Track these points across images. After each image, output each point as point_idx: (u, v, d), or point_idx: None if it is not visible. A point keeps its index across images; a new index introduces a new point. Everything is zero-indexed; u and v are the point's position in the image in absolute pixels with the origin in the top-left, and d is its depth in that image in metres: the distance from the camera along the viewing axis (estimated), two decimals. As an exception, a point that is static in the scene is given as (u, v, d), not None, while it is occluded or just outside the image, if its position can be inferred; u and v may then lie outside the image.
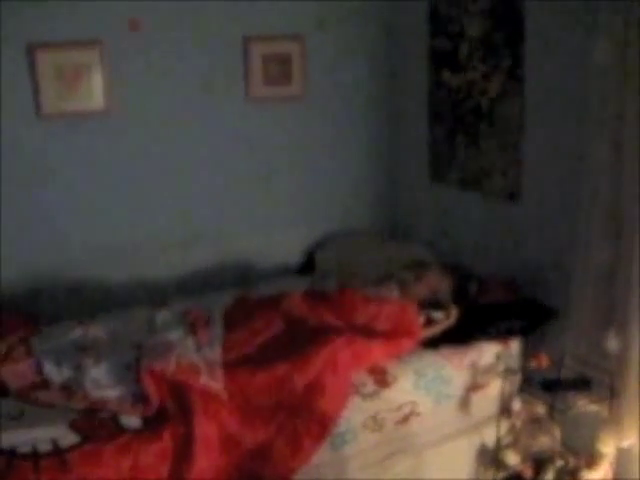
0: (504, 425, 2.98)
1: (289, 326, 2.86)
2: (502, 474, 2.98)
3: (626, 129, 2.51)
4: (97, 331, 2.83)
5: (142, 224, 3.51)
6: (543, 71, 3.01)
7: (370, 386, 2.70)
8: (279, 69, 3.60)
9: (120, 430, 2.32)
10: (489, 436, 2.98)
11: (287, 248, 3.90)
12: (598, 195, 2.66)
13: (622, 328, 2.64)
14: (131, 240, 3.49)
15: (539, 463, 2.88)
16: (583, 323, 2.82)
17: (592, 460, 2.75)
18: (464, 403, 2.93)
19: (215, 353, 2.62)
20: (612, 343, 2.68)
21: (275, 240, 3.85)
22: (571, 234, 2.86)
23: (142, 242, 3.52)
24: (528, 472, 2.88)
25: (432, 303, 3.08)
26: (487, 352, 2.97)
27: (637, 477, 2.76)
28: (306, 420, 2.50)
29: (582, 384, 2.72)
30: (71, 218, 3.33)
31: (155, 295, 3.45)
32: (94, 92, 3.24)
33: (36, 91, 3.12)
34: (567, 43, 2.86)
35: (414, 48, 3.68)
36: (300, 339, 2.73)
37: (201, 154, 3.55)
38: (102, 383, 2.47)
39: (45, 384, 2.52)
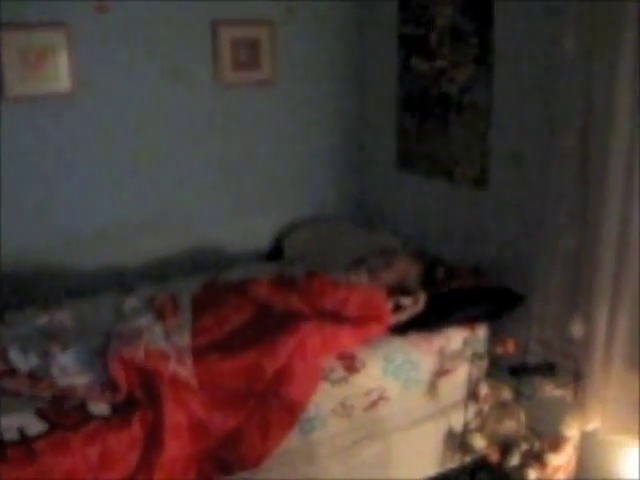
0: (471, 410, 3.01)
1: (257, 312, 2.85)
2: (469, 458, 3.02)
3: (594, 116, 2.53)
4: (64, 317, 2.79)
5: (109, 208, 3.47)
6: (512, 59, 3.02)
7: (339, 372, 2.71)
8: (248, 54, 3.57)
9: (88, 418, 2.29)
10: (456, 421, 3.01)
11: (256, 234, 3.90)
12: (565, 182, 2.69)
13: (587, 314, 2.67)
14: (97, 224, 3.44)
15: (505, 447, 2.92)
16: (548, 309, 2.85)
17: (556, 444, 2.78)
18: (432, 388, 2.97)
19: (184, 339, 2.60)
20: (577, 329, 2.72)
21: (244, 226, 3.83)
22: (537, 221, 2.89)
23: (109, 227, 3.47)
24: (494, 456, 2.91)
25: (401, 289, 3.10)
26: (454, 337, 3.00)
27: (600, 460, 2.82)
28: (275, 406, 2.50)
29: (547, 369, 2.75)
30: (35, 202, 3.27)
31: (122, 281, 3.43)
32: (60, 74, 3.18)
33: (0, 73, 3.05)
34: (536, 30, 2.88)
35: (384, 34, 3.68)
36: (268, 325, 2.73)
37: (169, 138, 3.52)
38: (69, 370, 2.43)
39: (11, 372, 2.46)
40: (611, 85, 2.44)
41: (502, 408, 2.97)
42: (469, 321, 3.03)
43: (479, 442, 2.97)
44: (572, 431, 2.76)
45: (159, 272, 3.56)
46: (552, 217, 2.77)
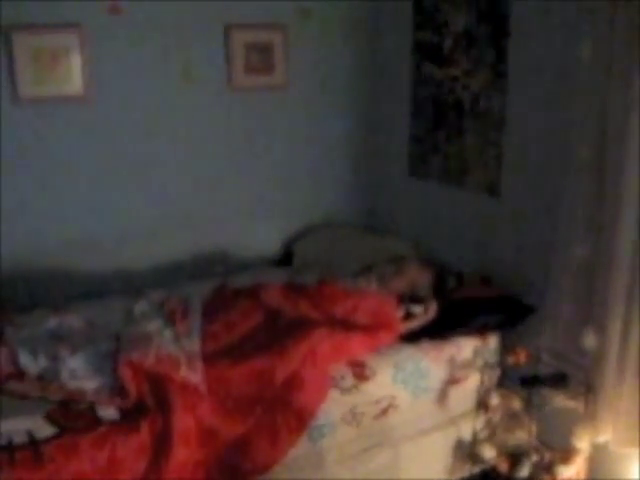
0: (481, 419, 2.99)
1: (268, 318, 2.84)
2: (478, 468, 3.00)
3: (609, 127, 2.51)
4: (73, 320, 2.78)
5: (119, 212, 3.46)
6: (527, 67, 3.01)
7: (349, 380, 2.69)
8: (261, 58, 3.56)
9: (97, 422, 2.28)
10: (466, 430, 3.00)
11: (266, 239, 3.88)
12: (580, 192, 2.67)
13: (600, 325, 2.65)
14: (108, 228, 3.43)
15: (515, 458, 2.89)
16: (561, 319, 2.83)
17: (567, 455, 2.76)
18: (442, 397, 2.94)
19: (194, 344, 2.59)
20: (590, 340, 2.69)
21: (254, 231, 3.82)
22: (550, 230, 2.87)
23: (119, 230, 3.47)
24: (504, 466, 2.89)
25: (411, 297, 3.08)
26: (465, 347, 2.98)
27: (611, 473, 2.80)
28: (285, 414, 2.49)
29: (559, 380, 2.74)
30: (46, 205, 3.27)
31: (131, 284, 3.41)
32: (72, 77, 3.18)
33: (12, 75, 3.05)
34: (552, 39, 2.85)
35: (398, 40, 3.67)
36: (279, 331, 2.72)
37: (181, 142, 3.51)
38: (79, 374, 2.42)
39: (20, 374, 2.46)
40: (628, 95, 2.42)
41: (512, 418, 2.96)
42: (480, 330, 3.00)
43: (488, 452, 2.95)
44: (583, 443, 2.74)
45: (169, 276, 3.55)
46: (565, 226, 2.74)
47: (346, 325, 2.83)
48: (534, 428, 2.89)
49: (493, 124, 3.18)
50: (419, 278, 3.19)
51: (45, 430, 2.22)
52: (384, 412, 2.77)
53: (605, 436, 2.71)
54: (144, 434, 2.28)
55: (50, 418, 2.27)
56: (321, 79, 3.78)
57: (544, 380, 2.76)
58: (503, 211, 3.21)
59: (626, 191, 2.50)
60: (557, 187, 2.82)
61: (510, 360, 2.87)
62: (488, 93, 3.18)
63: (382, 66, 3.84)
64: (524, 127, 3.06)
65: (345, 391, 2.66)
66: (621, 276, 2.56)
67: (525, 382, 2.78)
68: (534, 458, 2.86)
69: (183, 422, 2.32)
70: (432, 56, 3.45)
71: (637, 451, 2.66)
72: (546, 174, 2.96)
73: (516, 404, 2.92)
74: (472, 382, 3.00)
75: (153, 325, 2.64)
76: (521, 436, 2.93)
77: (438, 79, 3.44)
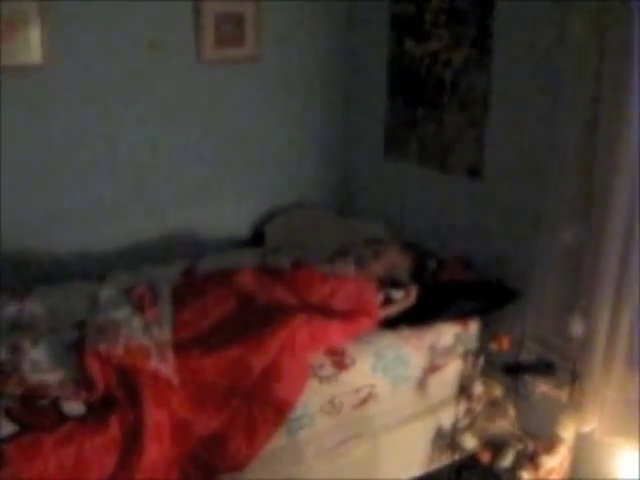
0: (461, 408, 2.91)
1: (241, 304, 2.70)
2: (459, 457, 2.92)
3: (602, 104, 2.41)
4: (35, 308, 2.59)
5: (81, 190, 3.25)
6: (512, 43, 2.89)
7: (328, 368, 2.58)
8: (232, 29, 3.38)
9: (62, 418, 2.13)
10: (446, 419, 2.92)
11: (236, 219, 3.73)
12: (568, 175, 2.58)
13: (587, 311, 2.57)
14: (69, 208, 3.23)
15: (497, 447, 2.82)
16: (545, 305, 2.76)
17: (551, 445, 2.70)
18: (421, 385, 2.86)
19: (164, 334, 2.44)
20: (576, 327, 2.60)
21: (223, 211, 3.67)
22: (535, 214, 2.78)
23: (81, 210, 3.27)
24: (485, 456, 2.82)
25: (391, 282, 2.97)
26: (446, 333, 2.88)
27: (596, 463, 2.73)
28: (262, 405, 2.36)
29: (545, 368, 2.66)
30: (2, 182, 3.04)
31: (95, 268, 3.23)
32: (31, 45, 2.96)
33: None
34: (539, 13, 2.74)
35: (375, 13, 3.51)
36: (254, 318, 2.58)
37: (146, 117, 3.32)
38: (41, 366, 2.25)
39: (-24, 367, 2.28)
40: (621, 73, 2.32)
41: (494, 406, 2.88)
42: (461, 316, 2.91)
43: (469, 441, 2.89)
44: (567, 432, 2.68)
45: (134, 259, 3.37)
46: (552, 210, 2.66)
47: (324, 311, 2.71)
48: (517, 417, 2.82)
49: (476, 103, 3.07)
50: (399, 262, 3.08)
51: (5, 428, 2.06)
52: (364, 401, 2.67)
53: (590, 425, 2.65)
54: (113, 430, 2.13)
55: (10, 415, 2.10)
56: (295, 52, 3.62)
57: (528, 368, 2.67)
58: (486, 194, 3.11)
59: (615, 174, 2.41)
60: (543, 169, 2.73)
61: (492, 347, 2.79)
62: (470, 70, 3.06)
63: (359, 41, 3.70)
64: (509, 106, 2.95)
65: (324, 380, 2.55)
66: (610, 260, 2.48)
67: (508, 370, 2.69)
68: (517, 447, 2.79)
69: (155, 416, 2.18)
70: (411, 30, 3.31)
71: (623, 440, 2.60)
72: (531, 156, 2.87)
73: (498, 392, 2.86)
74: (453, 369, 2.92)
75: (120, 313, 2.47)
76: (503, 425, 2.87)
77: (417, 55, 3.30)
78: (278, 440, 2.40)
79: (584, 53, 2.42)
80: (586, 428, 2.65)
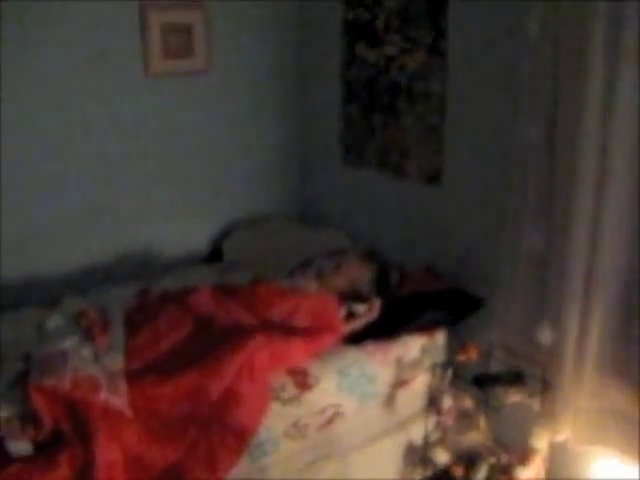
0: (431, 422, 2.82)
1: (198, 326, 2.57)
2: (431, 473, 2.83)
3: (561, 104, 2.34)
4: (-24, 340, 2.45)
5: (27, 211, 3.09)
6: (468, 45, 2.82)
7: (290, 390, 2.47)
8: (180, 41, 3.26)
9: (7, 459, 1.99)
10: (416, 434, 2.85)
11: (191, 236, 3.60)
12: (529, 177, 2.50)
13: (555, 318, 2.50)
14: (14, 230, 3.05)
15: (470, 461, 2.75)
16: (512, 312, 2.69)
17: (525, 456, 2.63)
18: (389, 401, 2.78)
19: (116, 362, 2.30)
20: (545, 334, 2.54)
21: (178, 227, 3.53)
22: (497, 219, 2.71)
23: (28, 232, 3.10)
24: (458, 470, 2.74)
25: (353, 295, 2.87)
26: (412, 346, 2.81)
27: (571, 472, 2.66)
28: (221, 433, 2.24)
29: (515, 378, 2.58)
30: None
31: (45, 294, 3.08)
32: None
33: None
34: (495, 13, 2.66)
35: (327, 18, 3.42)
36: (211, 341, 2.46)
37: (94, 133, 3.18)
38: (-17, 403, 2.11)
39: None
40: (580, 71, 2.25)
41: (465, 419, 2.80)
42: (427, 327, 2.82)
43: (441, 456, 2.82)
44: (541, 442, 2.62)
45: (88, 281, 3.23)
46: (515, 215, 2.58)
47: (284, 329, 2.61)
48: (489, 428, 2.74)
49: (433, 107, 2.99)
50: (360, 274, 2.98)
51: (-57, 474, 1.92)
52: (329, 422, 2.57)
53: (564, 435, 2.57)
54: (63, 470, 2.00)
55: (-51, 458, 1.96)
56: (245, 62, 3.51)
57: (498, 379, 2.59)
58: (446, 200, 3.03)
59: (580, 176, 2.33)
60: (504, 174, 2.66)
61: (460, 357, 2.71)
62: (426, 74, 2.98)
63: (311, 47, 3.61)
64: (467, 110, 2.88)
65: (287, 402, 2.44)
66: (577, 266, 2.40)
67: (478, 381, 2.61)
68: (490, 460, 2.71)
69: (107, 453, 2.05)
70: (364, 35, 3.22)
71: (597, 449, 2.54)
72: (491, 160, 2.79)
73: (468, 404, 2.78)
74: (421, 383, 2.85)
75: (68, 342, 2.32)
76: (475, 437, 2.79)
77: (372, 60, 3.22)
78: (241, 468, 2.28)
79: (541, 52, 2.35)
80: (559, 437, 2.58)
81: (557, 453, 2.64)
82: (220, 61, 3.42)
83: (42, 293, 3.12)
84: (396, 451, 2.81)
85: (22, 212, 3.08)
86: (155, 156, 3.38)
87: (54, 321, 2.49)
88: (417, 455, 2.83)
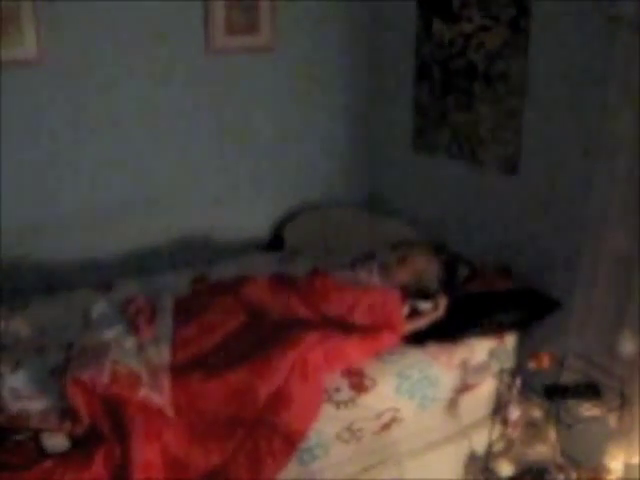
0: (496, 431, 2.64)
1: (250, 319, 2.47)
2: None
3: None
4: (20, 327, 2.37)
5: (81, 190, 3.02)
6: (553, 23, 2.58)
7: (345, 392, 2.33)
8: (244, 16, 3.11)
9: (42, 454, 1.90)
10: (478, 443, 2.68)
11: (252, 221, 3.49)
12: (616, 171, 2.27)
13: (637, 327, 2.28)
14: (68, 210, 3.00)
15: (536, 475, 2.55)
16: (591, 319, 2.50)
17: (597, 475, 2.42)
18: (451, 406, 2.61)
19: (162, 355, 2.19)
20: (625, 345, 2.34)
21: (239, 212, 3.42)
22: (580, 215, 2.48)
23: (81, 212, 3.04)
24: (523, 485, 2.54)
25: (418, 291, 2.69)
26: (479, 349, 2.63)
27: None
28: (269, 437, 2.11)
29: (591, 392, 2.36)
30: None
31: (98, 276, 3.01)
32: (25, 38, 2.74)
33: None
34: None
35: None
36: (263, 336, 2.34)
37: (153, 112, 3.08)
38: (21, 393, 2.02)
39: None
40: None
41: (532, 430, 2.59)
42: (497, 330, 2.64)
43: (505, 468, 2.64)
44: (615, 462, 2.40)
45: (141, 265, 3.15)
46: (599, 213, 2.36)
47: (341, 326, 2.46)
48: (558, 442, 2.53)
49: (512, 90, 2.78)
50: (426, 268, 2.79)
51: (-24, 467, 1.84)
52: (386, 426, 2.43)
53: (641, 456, 2.34)
54: (98, 468, 1.90)
55: (-16, 451, 1.88)
56: (312, 40, 3.35)
57: (572, 391, 2.38)
58: (523, 191, 2.82)
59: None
60: (588, 165, 2.43)
61: (531, 364, 2.51)
62: (506, 54, 2.76)
63: (383, 24, 3.41)
64: (549, 94, 2.65)
65: (341, 405, 2.30)
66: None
67: (550, 392, 2.41)
68: (559, 477, 2.51)
69: (145, 453, 1.94)
70: (440, 11, 3.01)
71: (680, 474, 2.31)
72: (575, 150, 2.55)
73: (537, 414, 2.57)
74: (486, 389, 2.69)
75: (112, 332, 2.22)
76: (542, 451, 2.58)
77: (447, 38, 3.00)
78: (288, 473, 2.16)
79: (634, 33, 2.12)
80: (636, 459, 2.35)
81: (633, 475, 2.41)
82: (285, 38, 3.27)
83: (99, 275, 3.06)
84: (456, 460, 2.66)
85: (79, 193, 3.02)
86: (215, 136, 3.27)
87: (99, 308, 2.40)
88: (478, 465, 2.67)
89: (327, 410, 2.26)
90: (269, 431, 2.12)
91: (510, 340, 2.68)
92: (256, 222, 3.50)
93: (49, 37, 2.77)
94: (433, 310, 2.63)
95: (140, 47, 2.97)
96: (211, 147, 3.27)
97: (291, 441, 2.13)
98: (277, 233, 3.52)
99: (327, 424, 2.26)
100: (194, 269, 3.09)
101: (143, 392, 2.02)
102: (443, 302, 2.64)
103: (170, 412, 2.03)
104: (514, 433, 2.55)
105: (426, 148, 3.26)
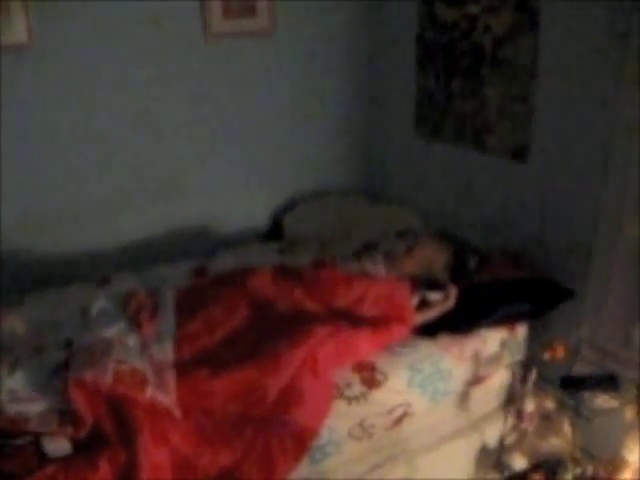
0: (509, 423, 2.57)
1: (256, 313, 2.38)
2: (506, 479, 2.59)
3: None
4: (16, 324, 2.27)
5: (76, 181, 2.94)
6: (563, 3, 2.48)
7: (356, 387, 2.25)
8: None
9: (43, 459, 1.82)
10: (491, 435, 2.62)
11: (251, 210, 3.42)
12: (631, 157, 2.20)
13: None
14: (63, 201, 2.93)
15: (550, 468, 2.48)
16: (606, 308, 2.43)
17: (614, 468, 2.35)
18: (463, 399, 2.54)
19: (165, 352, 2.11)
20: (642, 335, 2.27)
21: (237, 201, 3.35)
22: (594, 203, 2.41)
23: (77, 203, 2.97)
24: (537, 478, 2.48)
25: (426, 282, 2.61)
26: (491, 340, 2.55)
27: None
28: (280, 435, 2.03)
29: (608, 383, 2.29)
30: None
31: (97, 270, 2.92)
32: (14, 24, 2.62)
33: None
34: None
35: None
36: (270, 331, 2.25)
37: (151, 100, 2.99)
38: (20, 395, 1.92)
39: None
40: None
41: (546, 422, 2.53)
42: (508, 320, 2.56)
43: (519, 461, 2.58)
44: (633, 455, 2.33)
45: (140, 257, 3.07)
46: (614, 200, 2.28)
47: (350, 319, 2.37)
48: (574, 434, 2.47)
49: (520, 74, 2.68)
50: (435, 258, 2.72)
51: (-27, 475, 1.75)
52: (398, 421, 2.35)
53: (661, 449, 2.28)
54: (103, 472, 1.81)
55: (-19, 458, 1.79)
56: (312, 23, 3.25)
57: (588, 382, 2.32)
58: (532, 178, 2.73)
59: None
60: (601, 151, 2.36)
61: (545, 355, 2.45)
62: (515, 36, 2.67)
63: (383, 7, 3.32)
64: (560, 78, 2.56)
65: (352, 401, 2.22)
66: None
67: (565, 383, 2.34)
68: (574, 470, 2.44)
69: (152, 455, 1.85)
70: (444, -7, 2.92)
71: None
72: (587, 136, 2.47)
73: (550, 405, 2.50)
74: (498, 380, 2.63)
75: (113, 330, 2.13)
76: (557, 443, 2.52)
77: (451, 19, 2.91)
78: (300, 472, 2.08)
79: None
80: (657, 451, 2.29)
81: (653, 468, 2.36)
82: (284, 22, 3.18)
83: (93, 269, 2.99)
84: (469, 453, 2.60)
85: (68, 183, 2.93)
86: (213, 124, 3.19)
87: (99, 305, 2.30)
88: (491, 458, 2.61)
89: (339, 406, 2.18)
90: (280, 429, 2.03)
91: (522, 330, 2.61)
92: (255, 211, 3.42)
93: (40, 22, 2.66)
94: (443, 300, 2.55)
95: (136, 32, 2.87)
96: (208, 133, 3.18)
97: (303, 439, 2.05)
98: (276, 222, 3.44)
99: (339, 421, 2.18)
100: (193, 260, 3.00)
101: (149, 392, 1.93)
102: (453, 292, 2.56)
103: (177, 412, 1.95)
104: (530, 426, 2.49)
105: (430, 134, 3.18)
